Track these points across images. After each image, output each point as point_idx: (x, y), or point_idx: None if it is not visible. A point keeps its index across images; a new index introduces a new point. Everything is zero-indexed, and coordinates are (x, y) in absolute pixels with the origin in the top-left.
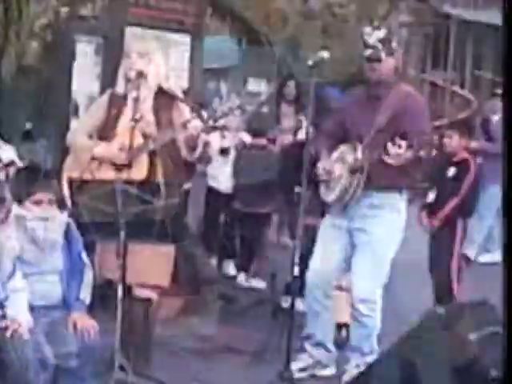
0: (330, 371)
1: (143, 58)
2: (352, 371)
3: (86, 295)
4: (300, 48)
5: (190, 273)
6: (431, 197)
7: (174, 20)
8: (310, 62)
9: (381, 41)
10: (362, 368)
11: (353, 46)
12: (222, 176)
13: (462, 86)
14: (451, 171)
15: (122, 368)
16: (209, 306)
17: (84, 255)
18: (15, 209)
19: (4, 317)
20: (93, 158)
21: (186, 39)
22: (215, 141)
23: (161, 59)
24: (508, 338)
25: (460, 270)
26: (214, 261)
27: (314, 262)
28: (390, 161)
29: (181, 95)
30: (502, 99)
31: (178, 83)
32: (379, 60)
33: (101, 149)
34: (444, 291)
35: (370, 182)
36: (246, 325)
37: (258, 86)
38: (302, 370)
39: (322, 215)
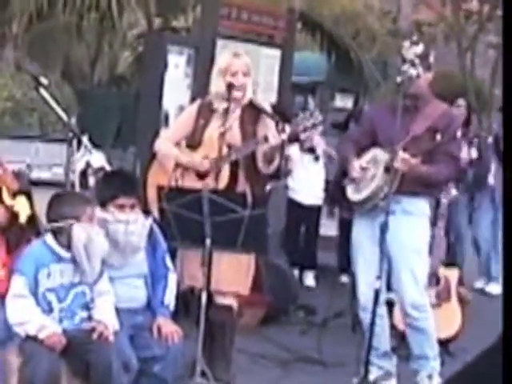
0: (394, 382)
1: (237, 72)
2: (425, 382)
3: (170, 300)
4: (388, 65)
5: (273, 283)
6: None
7: (265, 34)
8: (399, 80)
9: (419, 56)
10: (434, 376)
11: (440, 64)
12: (305, 188)
13: None
14: None
15: (203, 374)
16: (290, 316)
17: (168, 260)
18: (98, 212)
19: (90, 318)
20: (177, 166)
21: (276, 53)
22: (296, 154)
23: (252, 73)
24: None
25: None
26: (295, 272)
27: (362, 277)
28: (396, 165)
29: (268, 109)
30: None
31: (266, 96)
32: (417, 75)
33: (185, 157)
34: None
35: (401, 187)
36: (324, 336)
37: (346, 103)
38: (374, 382)
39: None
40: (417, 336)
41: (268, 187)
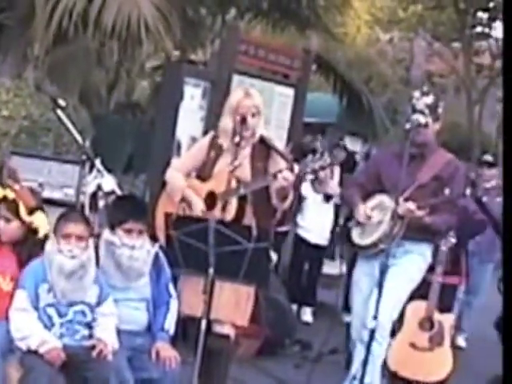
0: None
1: (246, 113)
2: None
3: (170, 326)
4: (398, 113)
5: (271, 316)
6: None
7: (280, 73)
8: (407, 126)
9: (428, 106)
10: None
11: (450, 116)
12: (314, 227)
13: None
14: None
15: None
16: (285, 350)
17: (171, 287)
18: (106, 234)
19: (91, 336)
20: (182, 200)
21: (289, 92)
22: (309, 193)
23: (263, 112)
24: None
25: None
26: (294, 307)
27: (356, 312)
28: (402, 213)
29: (280, 146)
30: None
31: (277, 134)
32: (426, 125)
33: (189, 192)
34: None
35: (405, 233)
36: (318, 371)
37: (354, 146)
38: None
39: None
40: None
41: (284, 228)
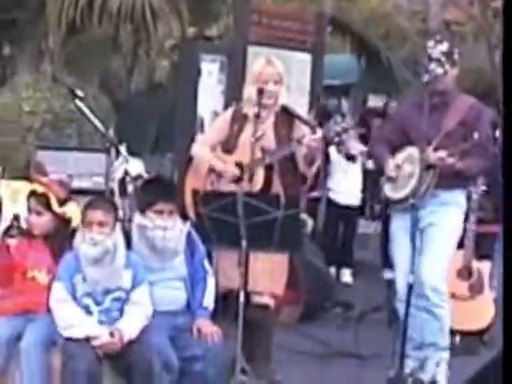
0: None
1: (268, 80)
2: (432, 369)
3: (209, 302)
4: (419, 64)
5: (309, 281)
6: None
7: (295, 39)
8: (426, 78)
9: (444, 53)
10: (442, 365)
11: (472, 63)
12: (343, 188)
13: None
14: None
15: (243, 371)
16: (327, 313)
17: (206, 263)
18: (137, 218)
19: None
20: (212, 170)
21: (306, 57)
22: (334, 156)
23: (284, 80)
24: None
25: None
26: (332, 269)
27: (400, 269)
28: (431, 161)
29: (302, 113)
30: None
31: (298, 100)
32: (444, 72)
33: (218, 162)
34: None
35: (438, 182)
36: (362, 331)
37: (379, 102)
38: (411, 374)
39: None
40: (431, 323)
41: (316, 193)
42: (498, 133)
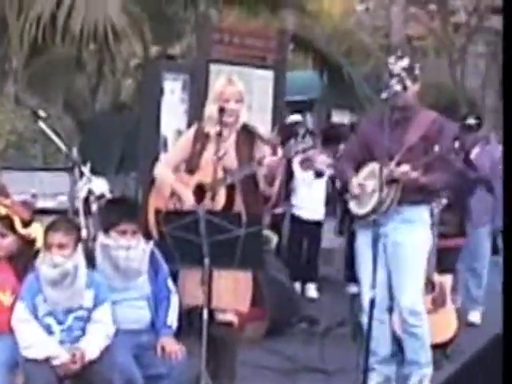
0: None
1: (230, 99)
2: None
3: (173, 320)
4: (382, 80)
5: (274, 297)
6: None
7: (257, 56)
8: (384, 95)
9: (405, 69)
10: (425, 382)
11: (433, 78)
12: (307, 204)
13: None
14: None
15: None
16: (292, 328)
17: (170, 282)
18: (101, 238)
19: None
20: (173, 193)
21: (269, 74)
22: (298, 172)
23: (246, 99)
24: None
25: None
26: (297, 285)
27: (365, 285)
28: (395, 176)
29: (263, 131)
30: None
31: (261, 118)
32: (405, 88)
33: (178, 186)
34: None
35: (401, 197)
36: (327, 345)
37: (342, 118)
38: None
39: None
40: (412, 342)
41: (280, 210)
42: (457, 144)
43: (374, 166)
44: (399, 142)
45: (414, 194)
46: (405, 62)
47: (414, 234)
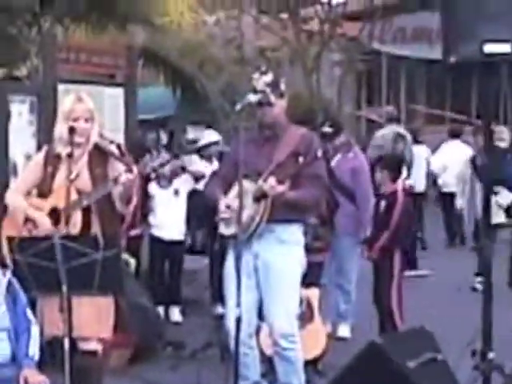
0: None
1: (79, 118)
2: None
3: (34, 351)
4: (237, 94)
5: (139, 322)
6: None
7: (106, 74)
8: (238, 107)
9: (269, 85)
10: None
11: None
12: (167, 223)
13: (398, 120)
14: (382, 204)
15: None
16: (158, 353)
17: (29, 312)
18: None
19: None
20: (27, 219)
21: (119, 92)
22: (155, 191)
23: (96, 117)
24: None
25: (400, 298)
26: (161, 309)
27: (231, 305)
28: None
29: (115, 150)
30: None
31: (113, 137)
32: (270, 104)
33: (32, 212)
34: (388, 322)
35: (272, 216)
36: (194, 368)
37: (198, 135)
38: None
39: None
40: (284, 365)
41: (137, 231)
42: (319, 153)
43: (243, 185)
44: (269, 159)
45: (286, 212)
46: (269, 78)
47: (286, 254)
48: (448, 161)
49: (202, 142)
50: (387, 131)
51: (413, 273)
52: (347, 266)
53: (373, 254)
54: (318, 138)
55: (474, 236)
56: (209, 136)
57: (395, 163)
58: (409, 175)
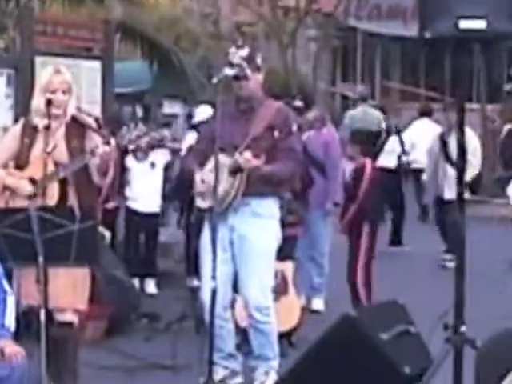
0: (240, 379)
1: (57, 90)
2: (261, 378)
3: (10, 322)
4: (212, 67)
5: (112, 294)
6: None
7: (83, 47)
8: (215, 80)
9: (245, 59)
10: (271, 373)
11: (264, 63)
12: (142, 196)
13: (373, 97)
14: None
15: None
16: (133, 325)
17: (5, 283)
18: None
19: None
20: (6, 188)
21: (96, 65)
22: (131, 163)
23: (74, 89)
24: None
25: (367, 274)
26: (136, 281)
27: (207, 278)
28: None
29: (93, 122)
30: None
31: (90, 109)
32: (246, 77)
33: (10, 179)
34: (353, 297)
35: (248, 190)
36: (169, 340)
37: (173, 109)
38: (221, 381)
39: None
40: (259, 337)
41: (113, 204)
42: (294, 127)
43: (219, 158)
44: (244, 133)
45: (261, 185)
46: (245, 52)
47: (262, 227)
48: (417, 138)
49: (198, 118)
50: (357, 111)
51: (398, 249)
52: (319, 240)
53: (343, 226)
54: (292, 112)
55: (436, 211)
56: (205, 112)
57: (365, 137)
58: (380, 151)
